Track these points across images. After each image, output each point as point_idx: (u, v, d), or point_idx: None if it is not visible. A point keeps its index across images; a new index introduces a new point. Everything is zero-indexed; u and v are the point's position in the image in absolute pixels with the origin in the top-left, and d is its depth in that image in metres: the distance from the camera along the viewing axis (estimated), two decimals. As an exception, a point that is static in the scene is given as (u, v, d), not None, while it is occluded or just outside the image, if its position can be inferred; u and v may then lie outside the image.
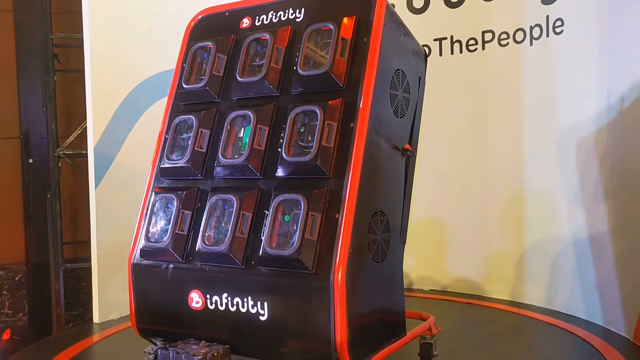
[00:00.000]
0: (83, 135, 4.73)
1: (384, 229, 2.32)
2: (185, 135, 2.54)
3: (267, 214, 2.21)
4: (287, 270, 2.12)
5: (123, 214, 3.37)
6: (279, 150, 2.27)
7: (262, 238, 2.18)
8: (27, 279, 5.81)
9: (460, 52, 4.06)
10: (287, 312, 2.16)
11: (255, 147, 2.31)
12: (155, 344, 2.47)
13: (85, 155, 3.83)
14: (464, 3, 4.05)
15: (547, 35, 3.64)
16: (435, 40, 4.15)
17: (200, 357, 2.11)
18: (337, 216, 2.09)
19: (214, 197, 2.35)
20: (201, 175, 2.46)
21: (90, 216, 3.67)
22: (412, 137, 2.60)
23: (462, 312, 3.66)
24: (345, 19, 2.31)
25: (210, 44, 2.59)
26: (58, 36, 5.56)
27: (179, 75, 2.66)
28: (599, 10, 3.30)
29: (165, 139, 2.58)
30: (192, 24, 2.76)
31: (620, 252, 3.11)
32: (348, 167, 2.13)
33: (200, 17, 2.75)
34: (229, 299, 2.25)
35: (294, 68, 2.36)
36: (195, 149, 2.46)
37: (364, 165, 2.15)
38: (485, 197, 4.00)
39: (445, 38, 4.12)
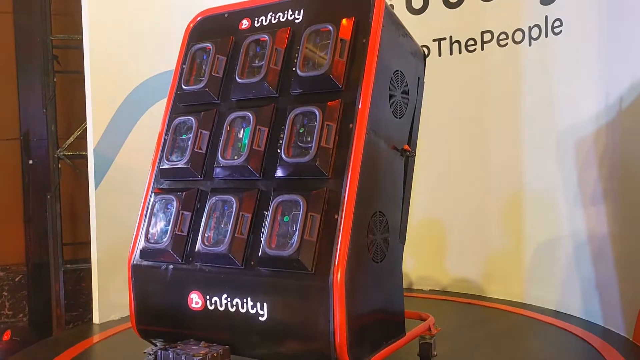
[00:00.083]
0: (83, 137, 4.73)
1: (383, 229, 2.32)
2: (184, 136, 2.54)
3: (267, 215, 2.21)
4: (286, 271, 2.13)
5: (123, 215, 3.37)
6: (278, 151, 2.27)
7: (262, 239, 2.19)
8: (27, 280, 5.81)
9: (460, 52, 4.07)
10: (286, 312, 2.17)
11: (255, 148, 2.31)
12: (155, 345, 2.47)
13: (85, 157, 3.83)
14: (463, 4, 4.05)
15: (546, 36, 3.65)
16: (434, 40, 4.16)
17: (200, 358, 2.11)
18: (336, 217, 2.09)
19: (214, 198, 2.36)
20: (201, 176, 2.46)
21: (90, 217, 3.67)
22: (411, 137, 2.60)
23: (462, 312, 3.66)
24: (344, 20, 2.32)
25: (209, 45, 2.59)
26: (58, 37, 5.57)
27: (178, 76, 2.66)
28: (598, 10, 3.30)
29: (165, 140, 2.59)
30: (191, 25, 2.76)
31: (620, 252, 3.11)
32: (347, 168, 2.14)
33: (199, 18, 2.76)
34: (229, 299, 2.26)
35: (293, 69, 2.36)
36: (195, 150, 2.46)
37: (363, 166, 2.15)
38: (485, 197, 4.01)
39: (444, 38, 4.13)
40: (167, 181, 2.57)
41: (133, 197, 2.84)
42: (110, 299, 3.62)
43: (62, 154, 5.46)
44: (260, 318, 2.19)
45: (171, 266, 2.41)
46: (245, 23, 2.60)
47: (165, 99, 2.70)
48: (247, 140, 2.34)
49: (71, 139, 5.48)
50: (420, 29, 3.68)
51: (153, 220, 2.49)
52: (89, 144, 3.71)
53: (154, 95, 3.82)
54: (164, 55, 3.60)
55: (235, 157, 2.36)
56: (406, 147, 2.52)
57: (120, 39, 3.78)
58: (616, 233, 3.14)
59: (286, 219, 2.17)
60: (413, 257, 4.15)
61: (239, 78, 2.47)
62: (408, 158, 2.54)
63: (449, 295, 4.06)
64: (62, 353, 3.02)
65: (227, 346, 2.23)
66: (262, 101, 2.41)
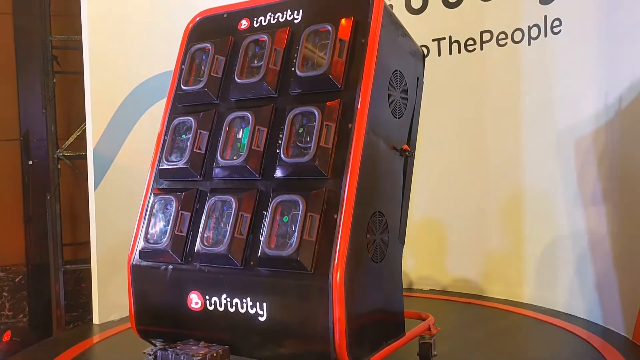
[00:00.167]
0: (82, 137, 4.73)
1: (382, 229, 2.32)
2: (184, 136, 2.54)
3: (266, 215, 2.21)
4: (285, 271, 2.13)
5: (122, 215, 3.37)
6: (278, 151, 2.27)
7: (261, 239, 2.19)
8: (27, 281, 5.82)
9: (459, 52, 4.07)
10: (286, 312, 2.17)
11: (254, 148, 2.31)
12: (155, 345, 2.47)
13: (85, 157, 3.83)
14: (462, 3, 4.05)
15: (545, 35, 3.65)
16: (433, 40, 4.15)
17: (199, 358, 2.11)
18: (335, 217, 2.10)
19: (213, 198, 2.36)
20: (200, 177, 2.46)
21: (89, 217, 3.67)
22: (411, 137, 2.60)
23: (461, 312, 3.66)
24: (343, 20, 2.32)
25: (208, 45, 2.59)
26: (57, 38, 5.58)
27: (177, 76, 2.66)
28: (597, 10, 3.30)
29: (164, 141, 2.59)
30: (190, 25, 2.76)
31: (620, 252, 3.11)
32: (346, 168, 2.14)
33: (198, 18, 2.76)
34: (228, 299, 2.26)
35: (292, 69, 2.36)
36: (194, 150, 2.46)
37: (362, 166, 2.15)
38: (485, 197, 4.00)
39: (444, 38, 4.13)
40: (166, 181, 2.57)
41: (133, 198, 2.84)
42: (110, 299, 3.62)
43: (61, 154, 5.46)
44: (260, 318, 2.19)
45: (171, 266, 2.41)
46: (244, 23, 2.60)
47: (165, 100, 2.70)
48: (246, 141, 2.34)
49: (71, 140, 5.49)
50: (419, 29, 3.68)
51: (152, 220, 2.49)
52: (88, 144, 3.71)
53: (153, 95, 3.82)
54: (163, 56, 3.60)
55: (235, 158, 2.36)
56: (405, 147, 2.52)
57: (120, 40, 3.78)
58: (616, 233, 3.14)
59: (285, 219, 2.17)
60: (413, 257, 4.15)
61: (238, 78, 2.47)
62: (407, 158, 2.54)
63: (449, 295, 4.05)
64: (62, 353, 3.02)
65: (226, 346, 2.23)
66: (261, 101, 2.41)
